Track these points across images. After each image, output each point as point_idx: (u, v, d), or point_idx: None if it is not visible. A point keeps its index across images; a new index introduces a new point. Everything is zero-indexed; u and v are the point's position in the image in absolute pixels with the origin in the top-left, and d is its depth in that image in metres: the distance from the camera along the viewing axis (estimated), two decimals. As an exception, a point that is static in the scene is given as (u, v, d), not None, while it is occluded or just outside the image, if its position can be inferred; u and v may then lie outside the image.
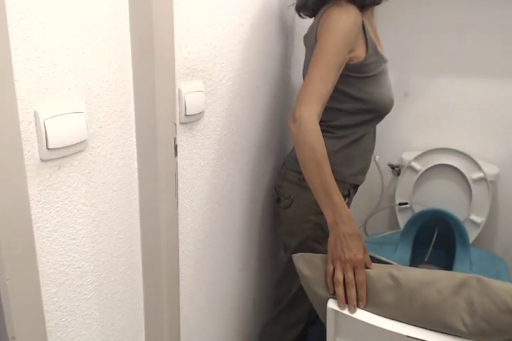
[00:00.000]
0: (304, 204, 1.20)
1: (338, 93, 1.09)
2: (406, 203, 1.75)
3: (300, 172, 1.20)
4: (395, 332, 0.88)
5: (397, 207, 1.78)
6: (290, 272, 1.27)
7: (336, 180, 1.04)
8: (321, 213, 1.18)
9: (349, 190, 1.24)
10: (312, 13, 1.19)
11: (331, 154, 1.04)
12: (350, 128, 1.19)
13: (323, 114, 1.04)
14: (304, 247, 1.23)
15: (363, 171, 1.28)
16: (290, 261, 1.25)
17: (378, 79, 1.15)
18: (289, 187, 1.24)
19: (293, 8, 1.26)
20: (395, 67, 1.72)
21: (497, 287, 0.82)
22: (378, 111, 1.18)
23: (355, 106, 1.15)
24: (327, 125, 1.16)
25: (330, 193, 0.99)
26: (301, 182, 1.20)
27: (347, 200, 1.25)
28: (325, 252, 1.17)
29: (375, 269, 0.93)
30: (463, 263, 1.51)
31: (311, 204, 1.18)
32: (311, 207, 1.19)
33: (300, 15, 1.28)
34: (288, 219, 1.26)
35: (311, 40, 1.11)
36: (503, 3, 1.60)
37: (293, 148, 1.29)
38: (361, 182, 1.28)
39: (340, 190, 1.03)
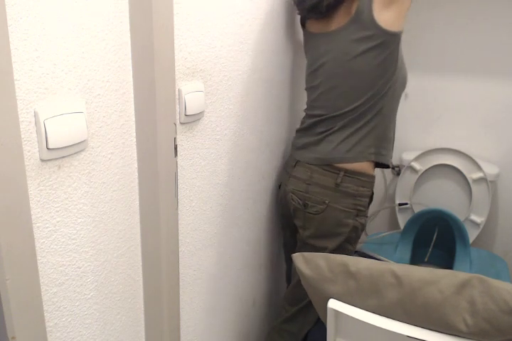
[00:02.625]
0: (342, 208, 1.22)
1: None
2: (406, 203, 1.75)
3: (335, 178, 1.23)
4: (395, 332, 0.88)
5: (397, 207, 1.78)
6: None
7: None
8: (357, 216, 1.23)
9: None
10: (325, 14, 1.21)
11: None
12: None
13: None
14: (340, 249, 1.27)
15: None
16: None
17: None
18: (320, 192, 1.24)
19: (290, 7, 1.28)
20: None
21: (499, 287, 0.82)
22: None
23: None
24: None
25: None
26: (338, 187, 1.22)
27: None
28: (354, 252, 1.22)
29: (377, 266, 0.93)
30: (463, 263, 1.51)
31: (349, 209, 1.22)
32: (349, 211, 1.22)
33: (305, 17, 1.29)
34: (321, 224, 1.26)
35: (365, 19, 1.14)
36: (503, 3, 1.60)
37: (308, 151, 1.29)
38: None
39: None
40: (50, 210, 0.62)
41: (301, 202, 1.27)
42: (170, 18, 0.75)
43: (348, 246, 1.27)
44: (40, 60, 0.56)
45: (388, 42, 1.15)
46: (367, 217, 1.29)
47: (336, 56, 1.21)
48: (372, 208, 1.83)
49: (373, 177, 1.27)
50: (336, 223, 1.24)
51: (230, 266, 1.22)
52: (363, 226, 1.28)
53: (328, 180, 1.22)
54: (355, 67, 1.18)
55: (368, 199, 1.27)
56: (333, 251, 1.26)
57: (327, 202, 1.23)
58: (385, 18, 1.13)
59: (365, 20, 1.14)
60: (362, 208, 1.25)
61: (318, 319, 1.31)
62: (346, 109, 1.21)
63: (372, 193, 1.30)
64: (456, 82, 1.73)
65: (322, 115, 1.25)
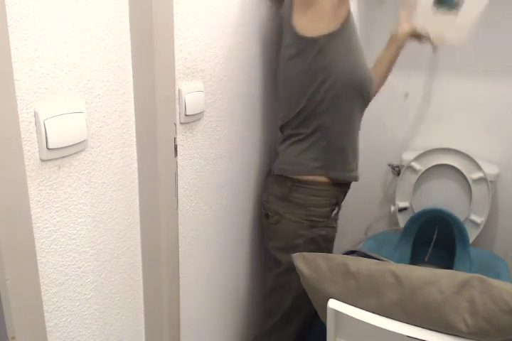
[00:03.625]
0: (295, 219, 1.17)
1: None
2: (405, 208, 1.75)
3: (284, 188, 1.17)
4: (395, 332, 0.88)
5: (397, 208, 1.78)
6: (280, 286, 1.26)
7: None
8: (314, 227, 1.16)
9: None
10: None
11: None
12: None
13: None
14: None
15: None
16: (281, 275, 1.24)
17: None
18: (274, 202, 1.20)
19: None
20: (395, 67, 1.72)
21: (499, 287, 0.82)
22: None
23: None
24: None
25: None
26: (287, 197, 1.16)
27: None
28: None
29: (377, 266, 0.94)
30: (463, 263, 1.51)
31: (301, 220, 1.16)
32: (302, 222, 1.16)
33: None
34: (279, 235, 1.21)
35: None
36: (503, 4, 1.60)
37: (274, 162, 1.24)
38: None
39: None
40: (50, 210, 0.62)
41: (264, 211, 1.24)
42: (170, 18, 0.75)
43: None
44: (40, 60, 0.56)
45: (306, 50, 1.06)
46: (332, 227, 1.20)
47: (280, 62, 1.17)
48: (372, 208, 1.83)
49: (330, 185, 1.16)
50: (291, 235, 1.18)
51: (230, 266, 1.22)
52: (326, 238, 1.19)
53: (280, 190, 1.18)
54: (286, 74, 1.13)
55: (326, 209, 1.17)
56: (292, 265, 1.19)
57: (280, 212, 1.18)
58: (302, 24, 1.05)
59: (287, 27, 1.09)
60: (317, 219, 1.16)
61: (316, 318, 1.31)
62: (288, 119, 1.16)
63: (336, 203, 1.20)
64: (456, 82, 1.73)
65: (280, 123, 1.21)
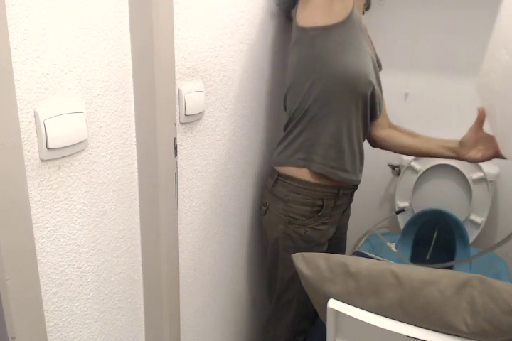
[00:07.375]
0: (275, 212, 1.18)
1: None
2: (403, 210, 1.75)
3: (272, 179, 1.19)
4: (395, 332, 0.88)
5: (397, 208, 1.78)
6: (268, 279, 1.28)
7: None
8: (291, 223, 1.16)
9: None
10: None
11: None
12: None
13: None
14: (277, 258, 1.21)
15: None
16: (268, 269, 1.26)
17: None
18: (265, 193, 1.23)
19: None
20: (395, 67, 1.72)
21: (499, 287, 0.82)
22: None
23: None
24: None
25: None
26: (273, 189, 1.18)
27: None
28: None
29: (377, 266, 0.93)
30: (463, 263, 1.51)
31: (280, 214, 1.17)
32: (280, 216, 1.17)
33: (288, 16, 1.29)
34: (266, 227, 1.23)
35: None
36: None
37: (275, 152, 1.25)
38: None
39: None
40: (50, 210, 0.62)
41: (261, 203, 1.27)
42: (170, 18, 0.75)
43: (286, 255, 1.16)
44: (40, 60, 0.56)
45: (301, 39, 1.10)
46: (314, 229, 1.16)
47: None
48: (372, 208, 1.83)
49: (315, 185, 1.14)
50: (272, 227, 1.19)
51: (230, 266, 1.22)
52: (306, 238, 1.16)
53: (270, 181, 1.20)
54: (287, 65, 1.18)
55: (306, 208, 1.15)
56: (272, 259, 1.22)
57: (267, 203, 1.20)
58: (301, 14, 1.10)
59: (293, 19, 1.13)
60: (296, 216, 1.15)
61: (316, 318, 1.31)
62: (289, 111, 1.18)
63: (322, 205, 1.16)
64: (457, 82, 1.73)
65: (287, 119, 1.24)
